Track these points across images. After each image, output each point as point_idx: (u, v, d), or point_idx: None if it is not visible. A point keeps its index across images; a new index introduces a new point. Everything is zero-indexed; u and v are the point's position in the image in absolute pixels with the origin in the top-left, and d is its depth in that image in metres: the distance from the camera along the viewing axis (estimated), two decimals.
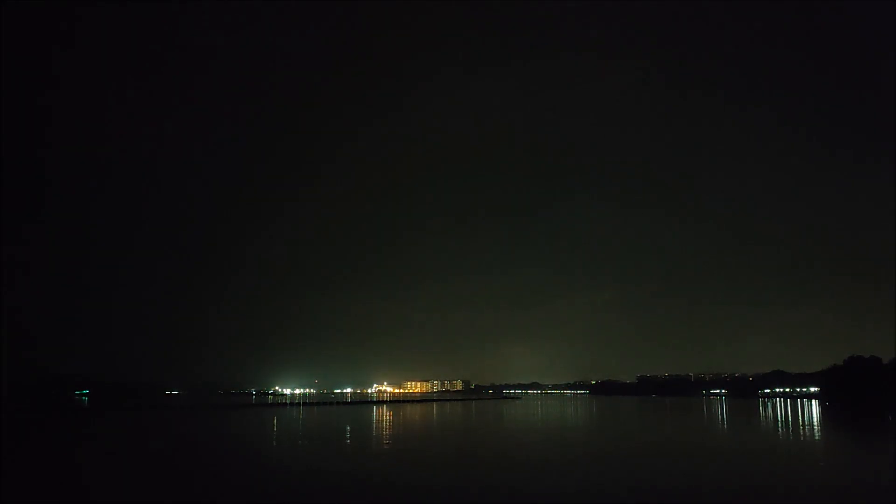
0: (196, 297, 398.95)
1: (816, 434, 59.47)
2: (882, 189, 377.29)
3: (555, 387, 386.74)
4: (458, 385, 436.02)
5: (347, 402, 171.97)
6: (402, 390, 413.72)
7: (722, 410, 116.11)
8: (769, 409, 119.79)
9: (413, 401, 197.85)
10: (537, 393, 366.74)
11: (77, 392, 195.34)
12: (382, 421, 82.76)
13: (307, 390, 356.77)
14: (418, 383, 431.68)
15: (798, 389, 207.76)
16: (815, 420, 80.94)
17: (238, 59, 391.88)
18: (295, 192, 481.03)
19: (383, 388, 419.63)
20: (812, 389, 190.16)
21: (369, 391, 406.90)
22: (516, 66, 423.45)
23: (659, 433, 62.25)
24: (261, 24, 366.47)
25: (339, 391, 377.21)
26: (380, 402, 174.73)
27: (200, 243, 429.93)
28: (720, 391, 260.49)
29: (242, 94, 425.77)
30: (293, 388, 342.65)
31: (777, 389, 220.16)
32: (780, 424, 72.20)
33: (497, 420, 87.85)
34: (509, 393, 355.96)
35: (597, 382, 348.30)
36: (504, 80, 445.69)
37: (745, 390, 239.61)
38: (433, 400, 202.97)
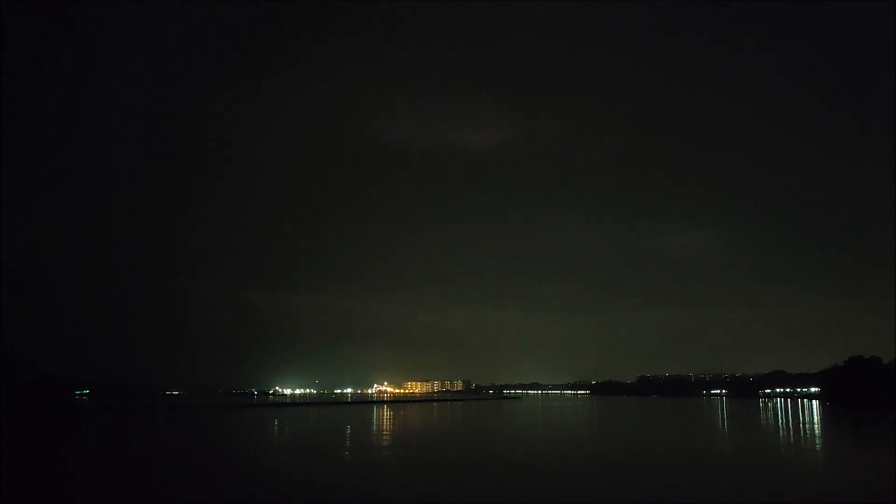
0: (196, 297, 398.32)
1: (817, 434, 59.41)
2: (882, 189, 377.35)
3: (555, 387, 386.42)
4: (459, 385, 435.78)
5: (348, 403, 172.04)
6: (402, 390, 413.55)
7: (722, 411, 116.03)
8: (770, 409, 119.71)
9: (413, 401, 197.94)
10: (538, 393, 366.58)
11: (77, 392, 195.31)
12: (383, 422, 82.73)
13: (307, 390, 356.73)
14: (419, 383, 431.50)
15: (798, 389, 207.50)
16: (815, 420, 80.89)
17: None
18: (294, 192, 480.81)
19: (384, 388, 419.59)
20: (812, 389, 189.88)
21: (369, 391, 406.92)
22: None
23: (660, 435, 62.25)
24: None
25: (339, 391, 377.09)
26: (380, 403, 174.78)
27: (199, 243, 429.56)
28: (720, 391, 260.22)
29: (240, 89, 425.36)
30: (293, 388, 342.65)
31: (777, 389, 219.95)
32: (780, 425, 72.14)
33: (497, 421, 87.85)
34: (510, 393, 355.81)
35: (597, 383, 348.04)
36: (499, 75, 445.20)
37: (746, 390, 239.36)
38: (434, 400, 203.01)
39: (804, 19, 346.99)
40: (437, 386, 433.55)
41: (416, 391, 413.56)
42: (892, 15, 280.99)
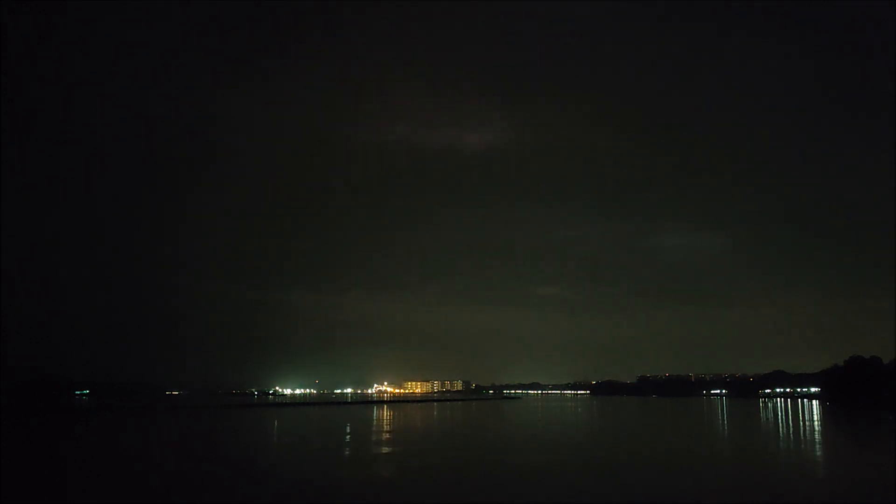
0: (196, 297, 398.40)
1: (817, 435, 59.42)
2: (882, 189, 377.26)
3: (555, 387, 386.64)
4: (459, 385, 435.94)
5: (347, 403, 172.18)
6: (402, 391, 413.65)
7: (722, 411, 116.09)
8: (770, 409, 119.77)
9: (413, 401, 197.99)
10: (538, 393, 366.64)
11: (77, 392, 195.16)
12: (383, 422, 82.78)
13: (307, 390, 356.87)
14: (419, 383, 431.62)
15: (798, 389, 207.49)
16: (815, 420, 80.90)
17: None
18: (294, 191, 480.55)
19: (384, 388, 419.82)
20: (812, 389, 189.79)
21: (370, 391, 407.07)
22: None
23: (660, 435, 62.29)
24: None
25: (339, 391, 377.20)
26: (380, 403, 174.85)
27: (199, 243, 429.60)
28: (720, 391, 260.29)
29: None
30: (293, 388, 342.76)
31: (777, 389, 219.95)
32: (780, 425, 72.15)
33: (497, 422, 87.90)
34: (510, 393, 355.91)
35: (597, 383, 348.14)
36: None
37: (746, 390, 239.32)
38: (434, 400, 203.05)
39: (804, 19, 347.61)
40: (437, 386, 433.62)
41: (416, 391, 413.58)
42: (892, 15, 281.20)
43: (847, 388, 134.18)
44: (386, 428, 70.08)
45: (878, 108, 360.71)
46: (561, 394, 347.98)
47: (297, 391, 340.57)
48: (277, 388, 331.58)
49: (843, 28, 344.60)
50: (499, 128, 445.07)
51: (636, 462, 36.99)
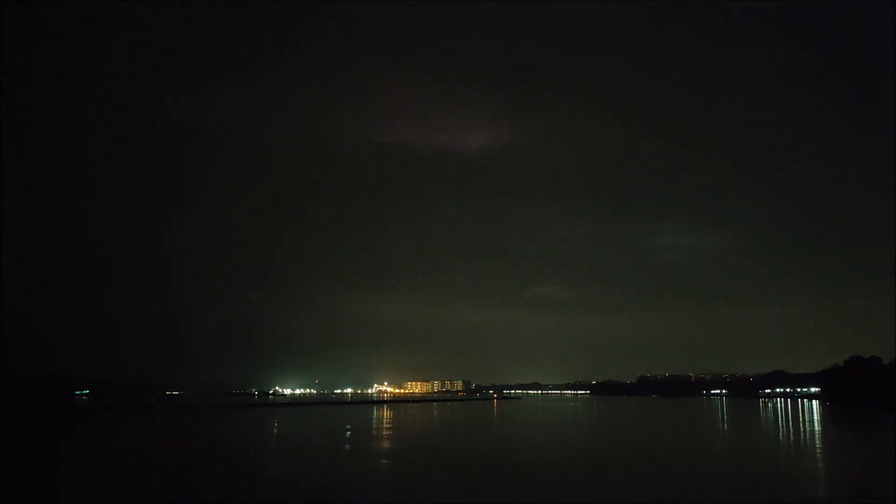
0: (197, 297, 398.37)
1: (817, 435, 59.43)
2: (882, 189, 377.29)
3: (555, 387, 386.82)
4: (459, 385, 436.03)
5: (347, 403, 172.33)
6: (402, 391, 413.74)
7: (722, 411, 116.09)
8: (770, 409, 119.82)
9: (413, 401, 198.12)
10: (537, 393, 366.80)
11: (77, 392, 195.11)
12: (383, 422, 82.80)
13: (307, 390, 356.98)
14: (418, 383, 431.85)
15: (798, 389, 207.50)
16: (815, 420, 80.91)
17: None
18: (295, 192, 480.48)
19: (384, 388, 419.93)
20: (812, 389, 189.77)
21: (370, 391, 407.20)
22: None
23: (660, 436, 62.31)
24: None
25: (339, 391, 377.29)
26: (380, 403, 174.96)
27: (200, 243, 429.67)
28: (720, 391, 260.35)
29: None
30: (293, 389, 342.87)
31: (777, 389, 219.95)
32: (781, 425, 72.16)
33: (497, 422, 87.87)
34: (509, 393, 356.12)
35: (597, 383, 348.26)
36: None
37: (746, 390, 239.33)
38: (434, 400, 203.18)
39: (804, 19, 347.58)
40: (437, 386, 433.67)
41: (416, 391, 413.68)
42: (892, 15, 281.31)
43: (847, 388, 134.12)
44: (386, 428, 70.07)
45: (878, 108, 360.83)
46: (561, 394, 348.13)
47: (297, 391, 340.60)
48: (277, 388, 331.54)
49: (843, 28, 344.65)
50: (498, 128, 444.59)
51: (636, 462, 37.01)
